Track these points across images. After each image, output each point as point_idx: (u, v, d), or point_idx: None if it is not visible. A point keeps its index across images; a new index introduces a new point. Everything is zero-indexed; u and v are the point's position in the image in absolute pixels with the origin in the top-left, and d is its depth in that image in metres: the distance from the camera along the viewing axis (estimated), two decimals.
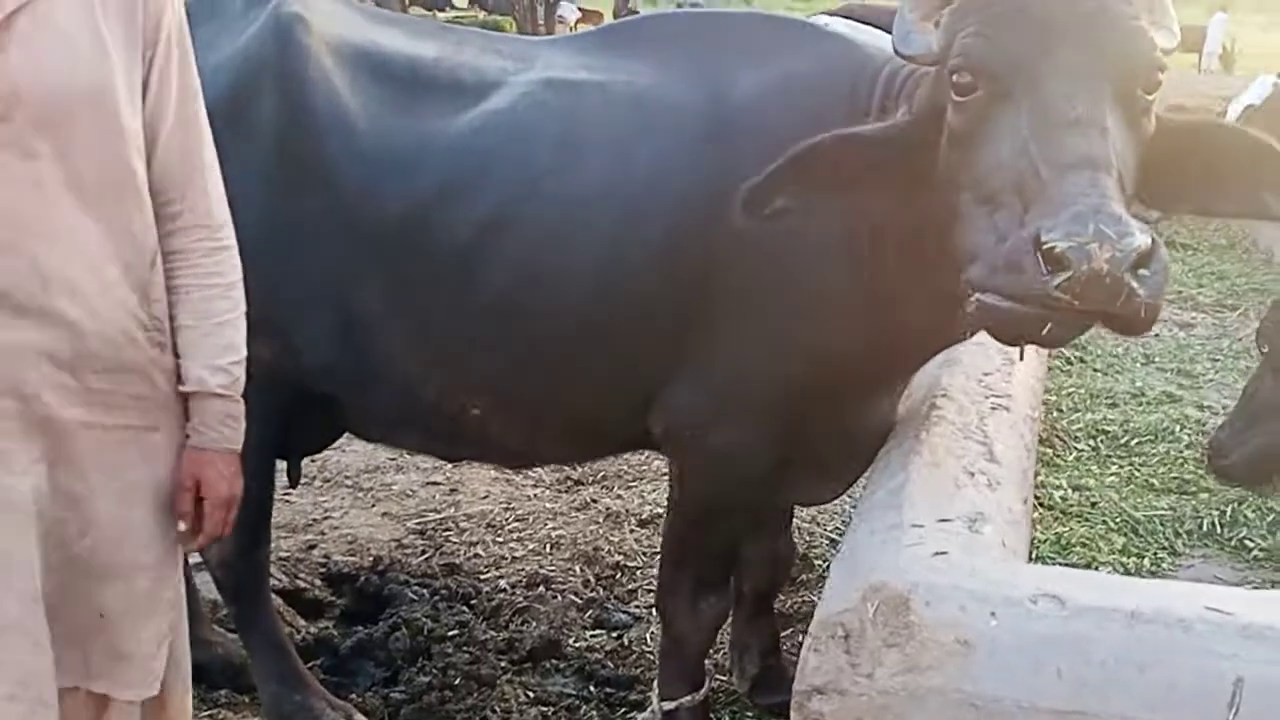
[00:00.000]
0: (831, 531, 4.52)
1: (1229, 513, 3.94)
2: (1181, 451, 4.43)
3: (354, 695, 3.54)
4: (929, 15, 2.37)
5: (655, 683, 3.33)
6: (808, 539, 4.51)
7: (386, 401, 3.11)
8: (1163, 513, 3.92)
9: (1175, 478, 4.18)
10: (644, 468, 5.08)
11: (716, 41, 2.90)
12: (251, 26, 2.95)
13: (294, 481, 3.61)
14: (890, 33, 2.84)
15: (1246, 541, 3.81)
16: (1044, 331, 1.99)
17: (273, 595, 3.70)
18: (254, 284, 2.49)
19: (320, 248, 2.93)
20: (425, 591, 4.11)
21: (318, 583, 4.16)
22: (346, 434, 3.53)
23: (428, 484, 5.04)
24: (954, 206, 2.25)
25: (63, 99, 2.02)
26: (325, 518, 4.73)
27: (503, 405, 3.04)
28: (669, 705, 3.23)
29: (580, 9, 31.54)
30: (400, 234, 2.88)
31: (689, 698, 3.22)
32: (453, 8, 33.53)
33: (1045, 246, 1.89)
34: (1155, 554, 3.70)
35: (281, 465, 3.45)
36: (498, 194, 2.83)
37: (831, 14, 8.40)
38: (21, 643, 2.09)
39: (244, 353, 2.30)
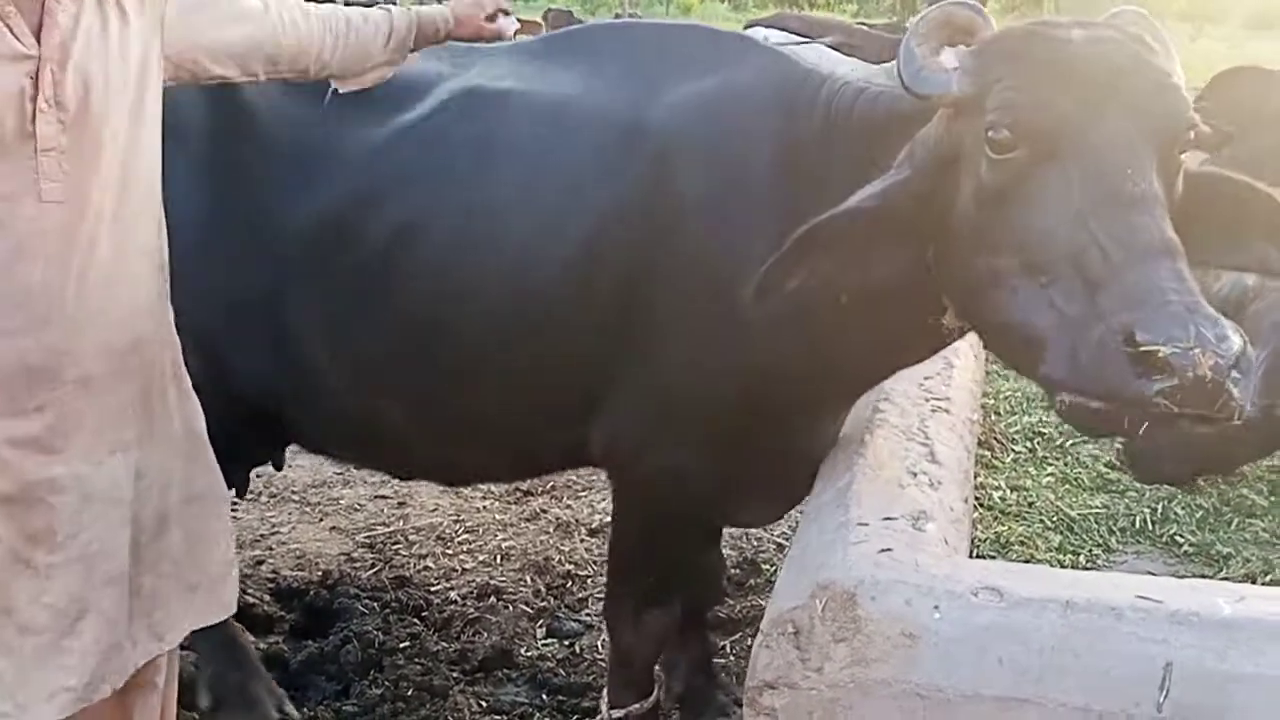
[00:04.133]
0: (778, 536, 4.59)
1: (1160, 510, 4.07)
2: (1113, 452, 4.56)
3: (305, 709, 3.54)
4: (937, 50, 2.26)
5: (605, 691, 3.37)
6: (755, 544, 4.58)
7: (318, 414, 3.09)
8: (1096, 511, 4.04)
9: (1108, 477, 4.31)
10: (593, 478, 5.11)
11: (653, 53, 2.88)
12: None
13: (240, 492, 3.58)
14: (825, 44, 2.91)
15: (1177, 537, 3.94)
16: (1139, 432, 1.93)
17: None
18: (186, 295, 2.57)
19: (249, 256, 2.91)
20: (375, 605, 4.11)
21: (266, 598, 4.15)
22: (291, 449, 3.52)
23: (376, 498, 5.04)
24: (983, 269, 2.16)
25: (116, 112, 2.22)
26: (273, 533, 4.71)
27: (424, 417, 3.01)
28: (618, 713, 3.24)
29: (519, 19, 31.52)
30: (319, 242, 2.87)
31: (637, 705, 3.24)
32: None
33: (1143, 349, 1.81)
34: (1090, 551, 3.82)
35: None
36: (412, 202, 2.82)
37: (766, 25, 8.48)
38: (98, 623, 2.33)
39: None
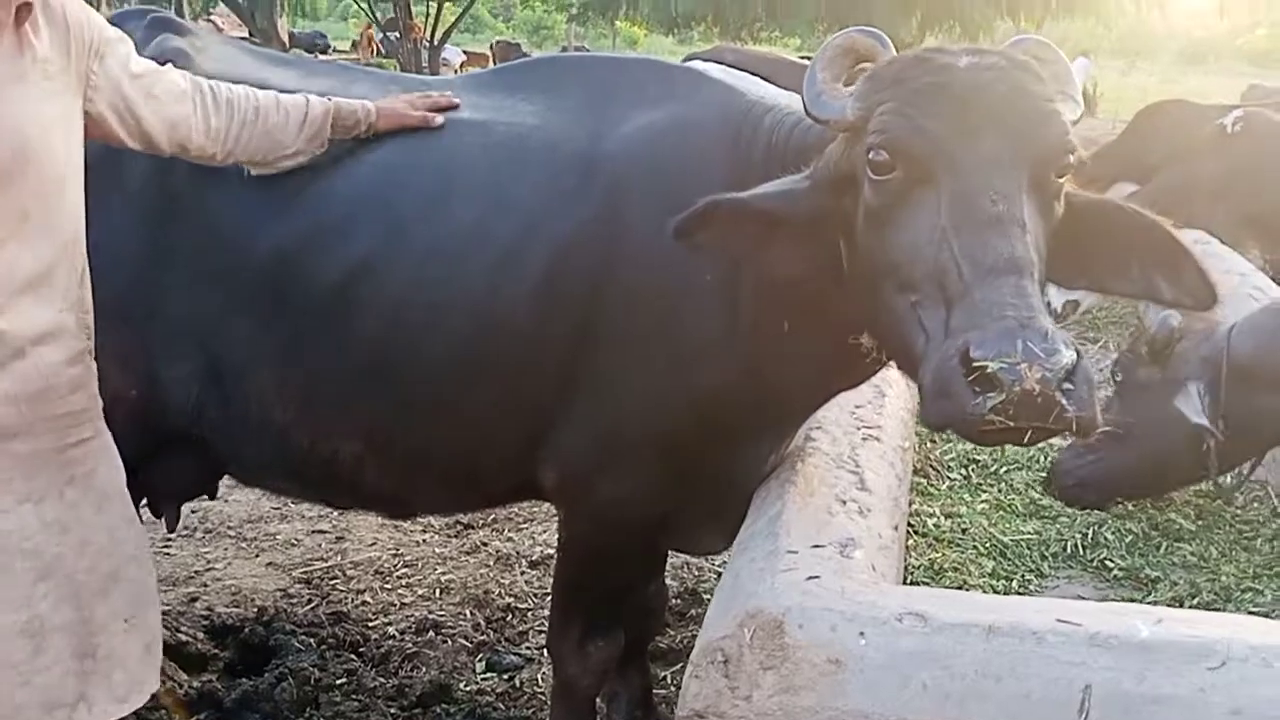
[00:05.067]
0: (719, 566, 4.58)
1: (1090, 535, 4.13)
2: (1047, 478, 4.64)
3: None
4: (839, 76, 2.36)
5: None
6: (696, 574, 4.59)
7: (257, 445, 3.04)
8: (1029, 537, 4.08)
9: (1040, 503, 4.37)
10: (534, 510, 5.09)
11: (606, 85, 2.92)
12: None
13: (171, 527, 3.52)
14: (761, 77, 2.98)
15: (1107, 562, 3.99)
16: (1025, 439, 1.96)
17: None
18: (124, 320, 2.55)
19: (190, 287, 2.88)
20: (312, 641, 4.06)
21: (200, 635, 4.08)
22: (227, 484, 3.47)
23: (313, 532, 4.98)
24: (872, 286, 2.24)
25: (15, 151, 2.18)
26: (208, 569, 4.64)
27: (376, 451, 2.98)
28: None
29: (465, 52, 31.69)
30: (270, 273, 2.85)
31: None
32: (336, 52, 33.38)
33: (975, 364, 1.88)
34: (1023, 576, 3.86)
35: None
36: (368, 236, 2.80)
37: (703, 58, 8.61)
38: (9, 678, 2.26)
39: None
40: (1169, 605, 3.56)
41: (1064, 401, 1.88)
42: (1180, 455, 4.19)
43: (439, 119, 2.87)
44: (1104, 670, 2.01)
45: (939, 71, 2.19)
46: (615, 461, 2.83)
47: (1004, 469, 4.67)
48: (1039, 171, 2.15)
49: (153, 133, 2.52)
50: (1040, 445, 4.74)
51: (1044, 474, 4.55)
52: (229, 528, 4.99)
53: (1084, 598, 3.74)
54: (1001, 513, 4.28)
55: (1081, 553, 4.03)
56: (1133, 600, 3.73)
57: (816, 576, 2.25)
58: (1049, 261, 2.20)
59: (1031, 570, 3.89)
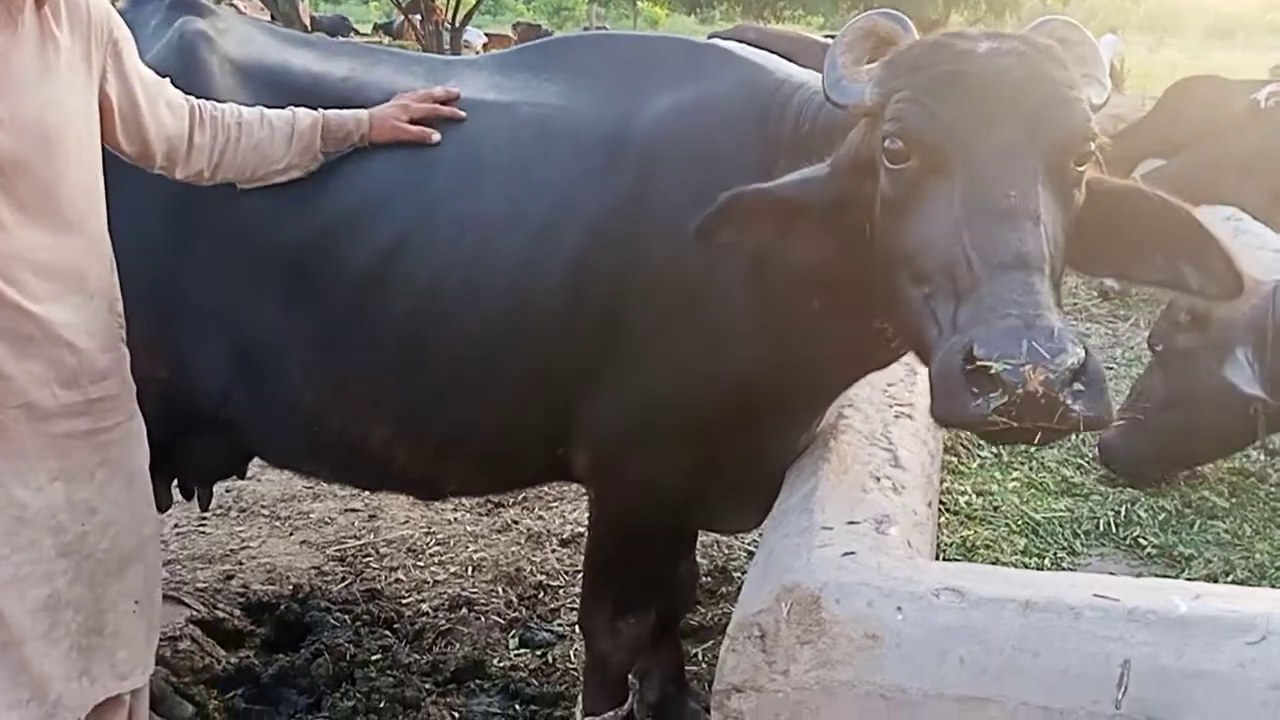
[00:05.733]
0: (749, 545, 4.61)
1: (1123, 512, 4.13)
2: (1078, 456, 4.63)
3: None
4: (861, 59, 2.33)
5: (579, 699, 3.38)
6: (726, 552, 4.60)
7: (286, 428, 3.05)
8: (1061, 514, 4.09)
9: (1072, 481, 4.37)
10: (564, 488, 5.11)
11: (632, 64, 2.90)
12: (158, 44, 2.92)
13: (204, 506, 3.56)
14: (782, 56, 2.95)
15: (1140, 540, 4.00)
16: (1033, 439, 1.93)
17: (191, 625, 3.69)
18: (151, 303, 2.58)
19: (217, 270, 2.88)
20: (347, 618, 4.10)
21: (237, 612, 4.12)
22: (260, 463, 3.51)
23: (346, 511, 5.02)
24: (889, 275, 2.22)
25: (39, 141, 2.19)
26: (243, 547, 4.69)
27: (407, 434, 2.99)
28: None
29: (486, 34, 31.67)
30: (299, 259, 2.85)
31: (611, 713, 3.26)
32: (358, 35, 33.41)
33: (979, 364, 1.85)
34: (1055, 554, 3.87)
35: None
36: (398, 218, 2.80)
37: (725, 37, 8.57)
38: (37, 650, 2.32)
39: None
40: (1203, 582, 3.55)
41: (1069, 402, 1.84)
42: (1229, 421, 4.14)
43: (436, 135, 2.81)
44: (1142, 645, 2.00)
45: (957, 58, 2.15)
46: (646, 441, 2.83)
47: (1034, 448, 4.66)
48: (1057, 160, 2.10)
49: (151, 141, 2.50)
50: None
51: (1075, 451, 4.54)
52: (263, 506, 5.04)
53: (1116, 575, 3.73)
54: (1033, 490, 4.28)
55: (1114, 530, 4.03)
56: (1165, 577, 3.72)
57: (852, 552, 2.25)
58: (1071, 250, 2.16)
59: (1064, 548, 3.90)
